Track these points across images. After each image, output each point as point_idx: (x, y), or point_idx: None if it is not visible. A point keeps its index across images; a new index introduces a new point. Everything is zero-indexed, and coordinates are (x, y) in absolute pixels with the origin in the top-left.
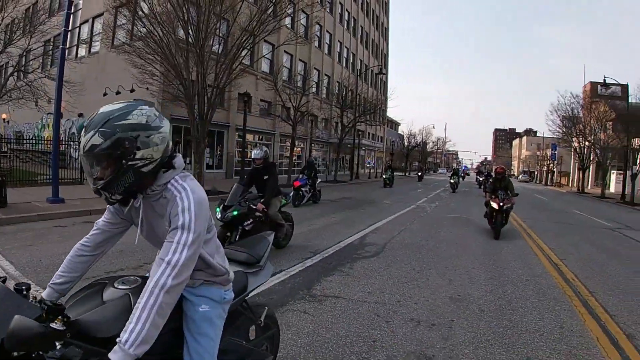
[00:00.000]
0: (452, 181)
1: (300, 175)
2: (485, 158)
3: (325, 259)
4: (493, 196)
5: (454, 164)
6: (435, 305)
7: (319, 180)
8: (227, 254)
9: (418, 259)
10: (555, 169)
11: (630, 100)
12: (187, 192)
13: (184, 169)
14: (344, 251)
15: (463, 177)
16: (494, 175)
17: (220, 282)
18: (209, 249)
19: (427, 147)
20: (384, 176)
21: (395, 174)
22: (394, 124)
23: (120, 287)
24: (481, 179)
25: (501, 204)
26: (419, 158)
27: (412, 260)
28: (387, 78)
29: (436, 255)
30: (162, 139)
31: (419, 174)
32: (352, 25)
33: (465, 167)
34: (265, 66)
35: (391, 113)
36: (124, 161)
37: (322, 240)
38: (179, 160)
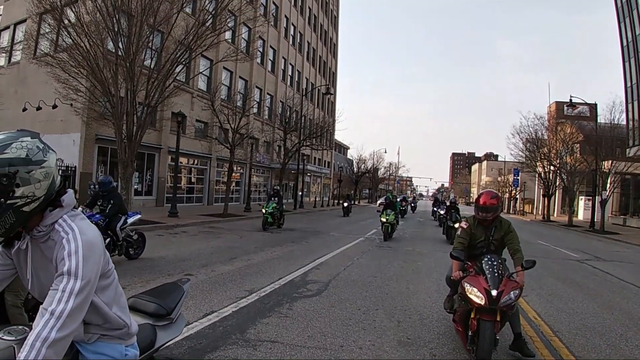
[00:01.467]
0: (384, 220)
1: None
2: (442, 184)
3: (262, 299)
4: (470, 269)
5: (408, 192)
6: (381, 350)
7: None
8: (133, 303)
9: (365, 297)
10: (518, 196)
11: (599, 121)
12: (74, 234)
13: (75, 207)
14: (283, 289)
15: (413, 208)
16: (477, 212)
17: (120, 336)
18: (105, 297)
19: (379, 172)
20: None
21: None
22: (343, 148)
23: (5, 337)
24: (440, 212)
25: (494, 291)
26: (369, 185)
27: (358, 299)
28: (335, 98)
29: (384, 294)
30: (45, 174)
31: (345, 204)
32: (298, 40)
33: (416, 196)
34: (202, 84)
35: (339, 136)
36: (2, 200)
37: (260, 276)
38: (68, 197)
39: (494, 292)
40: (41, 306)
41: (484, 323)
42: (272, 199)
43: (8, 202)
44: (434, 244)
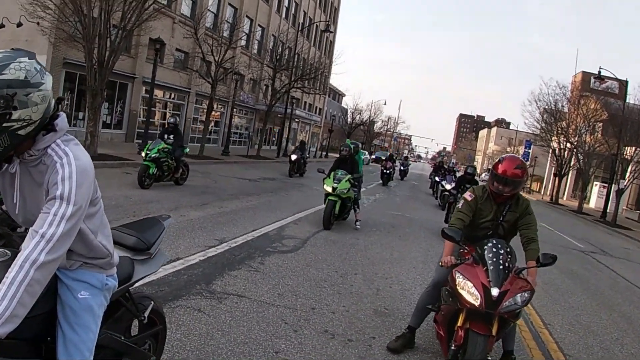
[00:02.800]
0: (328, 188)
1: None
2: (444, 148)
3: (232, 250)
4: (467, 255)
5: (406, 151)
6: (355, 317)
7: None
8: (114, 235)
9: (344, 260)
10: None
11: (627, 100)
12: (69, 159)
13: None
14: (256, 242)
15: (402, 173)
16: (493, 183)
17: (102, 265)
18: (92, 225)
19: (375, 126)
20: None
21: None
22: (338, 95)
23: None
24: (446, 185)
25: (495, 290)
26: (363, 139)
27: (337, 261)
28: (335, 37)
29: (366, 258)
30: (42, 97)
31: (292, 157)
32: None
33: (408, 156)
34: (185, 8)
35: (335, 81)
36: None
37: (233, 226)
38: (62, 121)
39: (494, 291)
40: (31, 228)
41: (474, 337)
42: (166, 137)
43: (4, 124)
44: (427, 212)
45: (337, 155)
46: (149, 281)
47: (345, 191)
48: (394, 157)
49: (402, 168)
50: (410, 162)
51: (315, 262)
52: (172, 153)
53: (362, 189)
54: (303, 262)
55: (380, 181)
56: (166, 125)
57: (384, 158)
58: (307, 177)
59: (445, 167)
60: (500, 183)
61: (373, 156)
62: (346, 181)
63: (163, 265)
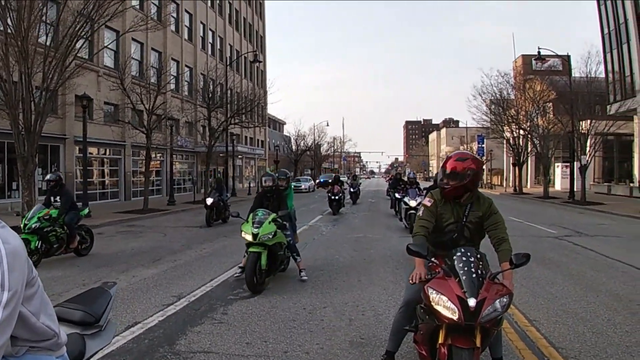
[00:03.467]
0: (248, 236)
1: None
2: (396, 158)
3: (192, 304)
4: (436, 268)
5: (357, 169)
6: (331, 353)
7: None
8: (58, 312)
9: (310, 294)
10: (484, 167)
11: (572, 75)
12: None
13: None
14: (216, 292)
15: (354, 195)
16: (442, 179)
17: (50, 347)
18: (32, 307)
19: (322, 149)
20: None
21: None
22: (278, 124)
23: None
24: (410, 202)
25: (472, 300)
26: (311, 164)
27: (303, 297)
28: (265, 66)
29: (332, 289)
30: None
31: (208, 201)
32: (218, 1)
33: (357, 175)
34: (108, 60)
35: (273, 110)
36: None
37: (189, 279)
38: None
39: (471, 302)
40: None
41: (458, 352)
42: (52, 199)
43: None
44: (390, 230)
45: (209, 199)
46: (108, 352)
47: (270, 236)
48: (341, 179)
49: (352, 190)
50: (361, 180)
51: (281, 302)
52: (58, 219)
53: (309, 222)
54: (268, 304)
55: (330, 210)
56: (47, 185)
57: (330, 181)
58: (234, 222)
59: (405, 179)
60: (450, 178)
61: (318, 180)
62: (270, 222)
63: (120, 333)
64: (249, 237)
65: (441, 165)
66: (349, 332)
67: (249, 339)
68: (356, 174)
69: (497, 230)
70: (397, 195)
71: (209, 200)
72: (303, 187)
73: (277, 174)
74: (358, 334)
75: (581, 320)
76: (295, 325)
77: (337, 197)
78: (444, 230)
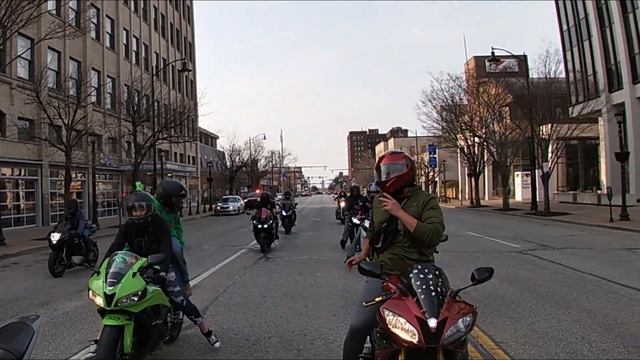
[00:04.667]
0: None
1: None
2: (340, 173)
3: None
4: (390, 288)
5: (298, 186)
6: None
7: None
8: None
9: (253, 324)
10: (437, 179)
11: (531, 76)
12: None
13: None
14: None
15: (287, 220)
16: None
17: None
18: None
19: (259, 165)
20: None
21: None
22: (210, 138)
23: None
24: (359, 221)
25: (432, 320)
26: (247, 181)
27: (245, 327)
28: (195, 76)
29: (278, 317)
30: None
31: (52, 238)
32: (142, 6)
33: (292, 192)
34: (22, 70)
35: (204, 123)
36: None
37: None
38: None
39: (431, 322)
40: None
41: None
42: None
43: None
44: (335, 249)
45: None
46: None
47: (136, 298)
48: (272, 199)
49: (283, 213)
50: (299, 197)
51: (221, 334)
52: None
53: (222, 263)
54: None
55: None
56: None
57: (253, 201)
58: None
59: (365, 196)
60: (385, 173)
61: (243, 201)
62: (136, 275)
63: None
64: (100, 301)
65: (375, 166)
66: None
67: None
68: (289, 190)
69: (430, 224)
70: (354, 220)
71: (55, 237)
72: (231, 208)
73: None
74: None
75: (552, 339)
76: (238, 358)
77: (265, 226)
78: (380, 224)
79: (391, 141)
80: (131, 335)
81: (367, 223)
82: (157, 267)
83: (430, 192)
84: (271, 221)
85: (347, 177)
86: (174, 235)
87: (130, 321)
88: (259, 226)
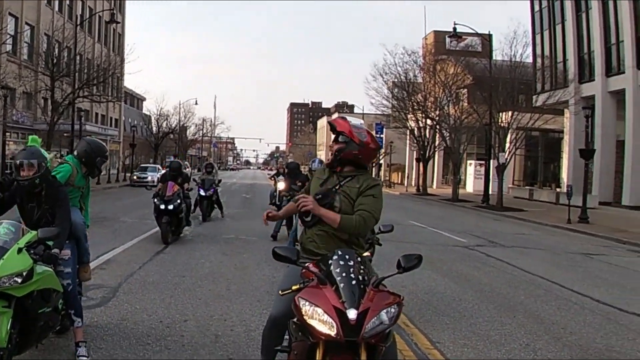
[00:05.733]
0: None
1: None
2: (277, 147)
3: None
4: (309, 275)
5: (230, 158)
6: None
7: None
8: None
9: (169, 305)
10: (382, 161)
11: (495, 57)
12: None
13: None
14: None
15: (202, 202)
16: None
17: None
18: None
19: (188, 132)
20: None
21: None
22: (137, 100)
23: None
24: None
25: (352, 311)
26: (174, 150)
27: (160, 308)
28: (123, 29)
29: (196, 299)
30: None
31: None
32: None
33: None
34: None
35: (131, 82)
36: None
37: None
38: None
39: (351, 313)
40: None
41: None
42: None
43: None
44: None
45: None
46: None
47: (18, 279)
48: (187, 173)
49: (202, 193)
50: (224, 173)
51: (133, 314)
52: None
53: (125, 245)
54: (117, 316)
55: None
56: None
57: (160, 177)
58: None
59: (306, 175)
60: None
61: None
62: (20, 251)
63: None
64: None
65: (330, 125)
66: (215, 350)
67: (93, 357)
68: (211, 162)
69: (360, 210)
70: (279, 191)
71: None
72: (150, 178)
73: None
74: (225, 353)
75: (494, 344)
76: (149, 342)
77: (170, 207)
78: (312, 196)
79: (335, 116)
80: (7, 325)
81: None
82: (49, 242)
83: (374, 174)
84: (179, 201)
85: (283, 153)
86: (75, 207)
87: (8, 308)
88: (162, 207)
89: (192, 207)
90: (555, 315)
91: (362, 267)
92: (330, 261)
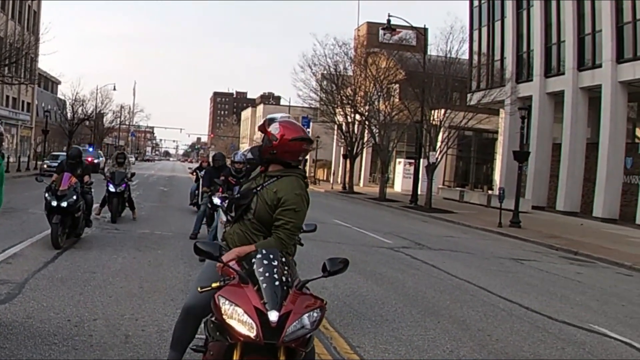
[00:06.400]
0: None
1: None
2: (198, 138)
3: None
4: (230, 272)
5: (149, 148)
6: None
7: None
8: None
9: (77, 303)
10: (307, 157)
11: (429, 52)
12: None
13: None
14: None
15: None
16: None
17: None
18: None
19: (105, 119)
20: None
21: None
22: (52, 83)
23: None
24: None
25: (273, 313)
26: (90, 138)
27: (68, 305)
28: (39, 6)
29: (106, 297)
30: None
31: None
32: None
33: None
34: None
35: (45, 64)
36: None
37: None
38: None
39: (272, 315)
40: None
41: None
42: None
43: None
44: (185, 221)
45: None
46: None
47: None
48: (84, 160)
49: (110, 188)
50: (137, 163)
51: (39, 312)
52: None
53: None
54: (22, 313)
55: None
56: None
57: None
58: None
59: (229, 168)
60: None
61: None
62: None
63: None
64: None
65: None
66: (124, 351)
67: None
68: (123, 151)
69: (277, 226)
70: (215, 199)
71: None
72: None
73: None
74: (136, 354)
75: (417, 349)
76: (56, 341)
77: (62, 205)
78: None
79: (260, 107)
80: None
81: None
82: None
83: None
84: (76, 197)
85: (205, 145)
86: None
87: None
88: (53, 203)
89: (99, 206)
90: (482, 321)
91: (286, 267)
92: (253, 260)
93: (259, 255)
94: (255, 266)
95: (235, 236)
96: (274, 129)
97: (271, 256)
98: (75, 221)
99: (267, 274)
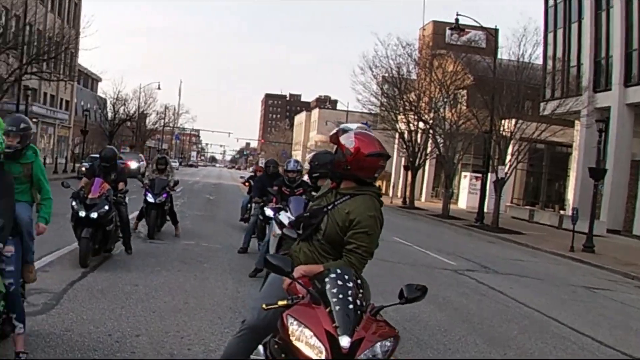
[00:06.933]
0: None
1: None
2: (247, 144)
3: None
4: (297, 292)
5: (193, 153)
6: None
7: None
8: None
9: (119, 317)
10: None
11: (499, 56)
12: None
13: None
14: None
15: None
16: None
17: None
18: None
19: (147, 121)
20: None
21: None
22: (92, 80)
23: None
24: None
25: (345, 339)
26: (132, 140)
27: (109, 319)
28: None
29: (150, 312)
30: None
31: None
32: None
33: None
34: None
35: (86, 59)
36: None
37: None
38: None
39: (344, 341)
40: None
41: None
42: None
43: None
44: (232, 235)
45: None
46: None
47: None
48: (119, 164)
49: (150, 199)
50: (179, 169)
51: (78, 325)
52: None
53: None
54: (61, 326)
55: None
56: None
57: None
58: None
59: (282, 178)
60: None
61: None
62: None
63: None
64: None
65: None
66: None
67: None
68: (164, 156)
69: (349, 250)
70: (267, 211)
71: None
72: None
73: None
74: None
75: None
76: (96, 357)
77: (93, 216)
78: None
79: (315, 112)
80: None
81: (283, 216)
82: None
83: None
84: (107, 207)
85: (254, 150)
86: (24, 201)
87: None
88: (81, 213)
89: (136, 219)
90: (551, 355)
91: (360, 290)
92: (326, 279)
93: (332, 275)
94: (328, 286)
95: (301, 254)
96: (348, 141)
97: (346, 277)
98: (106, 235)
99: (340, 296)
